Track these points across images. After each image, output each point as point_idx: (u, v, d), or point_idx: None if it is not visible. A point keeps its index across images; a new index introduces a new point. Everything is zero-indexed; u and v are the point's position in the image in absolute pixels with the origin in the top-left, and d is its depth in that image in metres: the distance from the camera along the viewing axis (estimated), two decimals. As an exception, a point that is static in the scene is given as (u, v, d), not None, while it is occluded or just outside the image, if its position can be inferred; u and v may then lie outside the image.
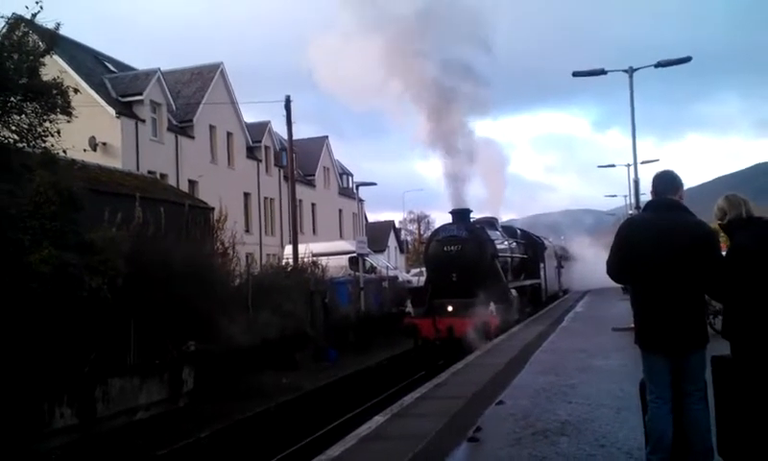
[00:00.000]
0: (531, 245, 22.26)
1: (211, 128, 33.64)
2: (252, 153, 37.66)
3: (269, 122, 39.20)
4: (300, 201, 38.38)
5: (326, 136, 48.73)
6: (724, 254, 4.47)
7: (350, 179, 52.93)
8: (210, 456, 9.67)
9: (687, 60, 18.47)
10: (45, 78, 10.26)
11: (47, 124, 10.14)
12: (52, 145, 10.22)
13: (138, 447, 9.51)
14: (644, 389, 4.53)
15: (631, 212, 27.44)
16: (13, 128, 9.92)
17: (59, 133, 10.26)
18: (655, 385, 4.41)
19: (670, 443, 4.29)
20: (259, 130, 38.48)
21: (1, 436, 8.12)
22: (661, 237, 4.37)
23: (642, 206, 9.37)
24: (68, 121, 10.47)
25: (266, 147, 38.97)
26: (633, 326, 4.71)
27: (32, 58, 10.08)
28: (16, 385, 8.42)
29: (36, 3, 9.94)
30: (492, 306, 15.03)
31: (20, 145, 9.96)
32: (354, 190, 50.21)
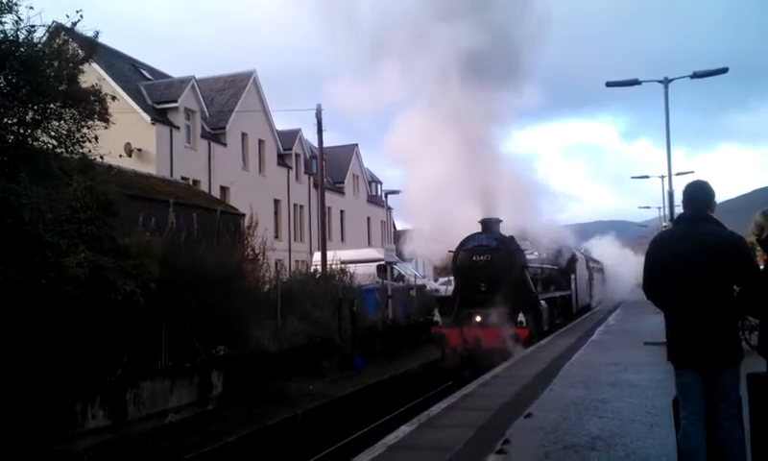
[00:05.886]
0: (562, 256, 22.01)
1: (243, 135, 34.07)
2: (282, 160, 38.02)
3: (299, 130, 39.57)
4: (330, 208, 38.60)
5: (356, 144, 49.01)
6: (762, 268, 4.37)
7: (379, 186, 53.05)
8: (238, 461, 9.74)
9: (724, 70, 18.08)
10: (84, 85, 10.42)
11: (85, 130, 10.30)
12: (89, 151, 10.40)
13: (165, 450, 9.61)
14: (677, 405, 4.45)
15: (665, 225, 26.99)
16: (53, 133, 10.10)
17: (96, 139, 10.42)
18: (687, 402, 4.34)
19: (703, 461, 4.21)
20: (290, 137, 38.85)
21: (36, 435, 8.30)
22: (690, 251, 4.30)
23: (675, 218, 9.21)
24: (105, 127, 10.64)
25: (296, 154, 39.31)
26: (665, 340, 4.64)
27: (71, 65, 10.25)
28: (51, 386, 8.59)
29: (77, 12, 10.16)
30: (522, 317, 14.91)
31: (59, 150, 10.14)
32: (383, 198, 50.28)
